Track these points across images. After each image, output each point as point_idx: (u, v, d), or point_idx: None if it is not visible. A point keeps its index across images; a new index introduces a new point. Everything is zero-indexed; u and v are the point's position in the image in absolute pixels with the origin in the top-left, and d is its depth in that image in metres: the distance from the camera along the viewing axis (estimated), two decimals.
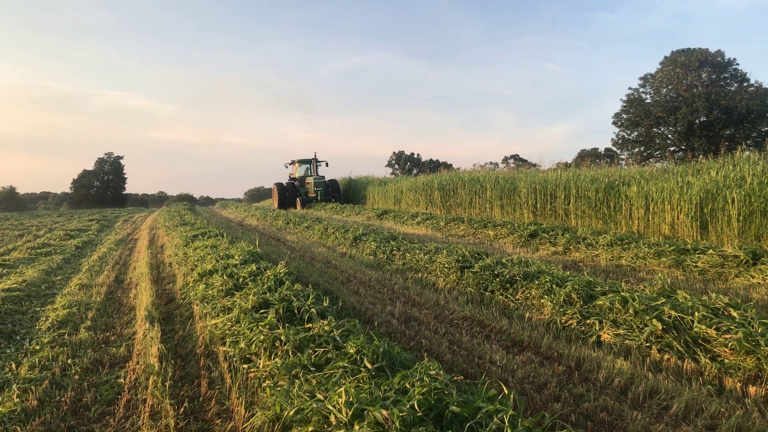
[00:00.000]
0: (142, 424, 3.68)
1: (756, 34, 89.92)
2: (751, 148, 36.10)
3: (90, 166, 76.67)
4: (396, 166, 79.98)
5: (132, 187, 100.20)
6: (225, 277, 7.24)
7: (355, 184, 36.12)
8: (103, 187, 75.56)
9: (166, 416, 3.76)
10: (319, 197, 33.09)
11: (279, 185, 34.83)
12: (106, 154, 77.25)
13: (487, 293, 7.06)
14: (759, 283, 7.17)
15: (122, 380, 4.59)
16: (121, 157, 78.09)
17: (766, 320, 4.56)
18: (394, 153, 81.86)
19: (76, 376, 4.70)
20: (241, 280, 7.05)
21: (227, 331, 5.05)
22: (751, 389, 3.95)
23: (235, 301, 5.90)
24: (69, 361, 5.06)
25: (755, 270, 7.53)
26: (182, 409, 3.93)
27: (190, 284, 7.73)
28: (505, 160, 74.33)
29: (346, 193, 36.25)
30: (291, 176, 36.80)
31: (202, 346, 5.29)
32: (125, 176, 78.28)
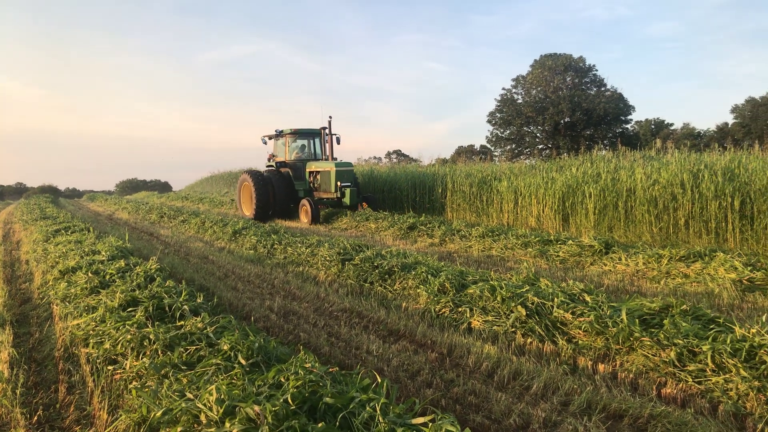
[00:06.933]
0: None
1: (612, 44, 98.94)
2: (606, 148, 39.57)
3: None
4: None
5: None
6: (90, 274, 6.73)
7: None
8: None
9: (16, 426, 3.45)
10: (349, 200, 16.42)
11: (255, 176, 17.92)
12: None
13: (366, 284, 7.17)
14: (610, 270, 7.92)
15: None
16: None
17: (614, 304, 5.04)
18: None
19: None
20: (108, 277, 6.61)
21: (91, 332, 4.71)
22: (600, 367, 4.35)
23: (101, 299, 5.52)
24: None
25: (607, 258, 8.32)
26: (35, 418, 3.62)
27: (50, 282, 7.12)
28: (389, 155, 75.64)
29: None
30: (272, 159, 19.23)
31: (62, 349, 4.90)
32: None
